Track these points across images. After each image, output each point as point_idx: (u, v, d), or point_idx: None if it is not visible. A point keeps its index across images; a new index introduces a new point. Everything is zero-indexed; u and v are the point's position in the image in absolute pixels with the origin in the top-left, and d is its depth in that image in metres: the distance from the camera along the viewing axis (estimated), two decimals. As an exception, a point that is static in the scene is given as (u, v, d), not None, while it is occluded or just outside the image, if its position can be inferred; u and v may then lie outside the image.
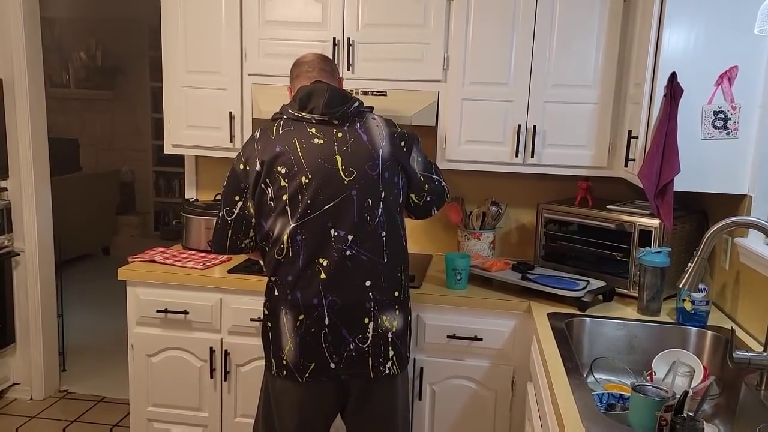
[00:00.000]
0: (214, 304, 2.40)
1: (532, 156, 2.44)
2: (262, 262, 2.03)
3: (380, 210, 1.84)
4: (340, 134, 1.86)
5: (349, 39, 2.47)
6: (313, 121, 1.87)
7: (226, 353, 2.41)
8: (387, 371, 1.89)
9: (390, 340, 1.89)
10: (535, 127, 2.42)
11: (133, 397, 2.53)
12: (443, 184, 2.07)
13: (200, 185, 3.07)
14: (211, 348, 2.41)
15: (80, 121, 6.73)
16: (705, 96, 1.98)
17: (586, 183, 2.49)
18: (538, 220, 2.54)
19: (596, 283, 2.23)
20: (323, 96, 1.86)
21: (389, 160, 1.87)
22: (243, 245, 1.94)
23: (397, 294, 1.90)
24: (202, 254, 2.62)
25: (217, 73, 2.59)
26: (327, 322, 1.83)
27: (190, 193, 3.08)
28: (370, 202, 1.84)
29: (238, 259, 2.54)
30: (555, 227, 2.50)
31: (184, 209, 2.77)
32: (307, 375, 1.86)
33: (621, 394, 1.63)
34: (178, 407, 2.49)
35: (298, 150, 1.83)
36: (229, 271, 2.42)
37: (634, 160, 2.17)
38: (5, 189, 3.18)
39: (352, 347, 1.85)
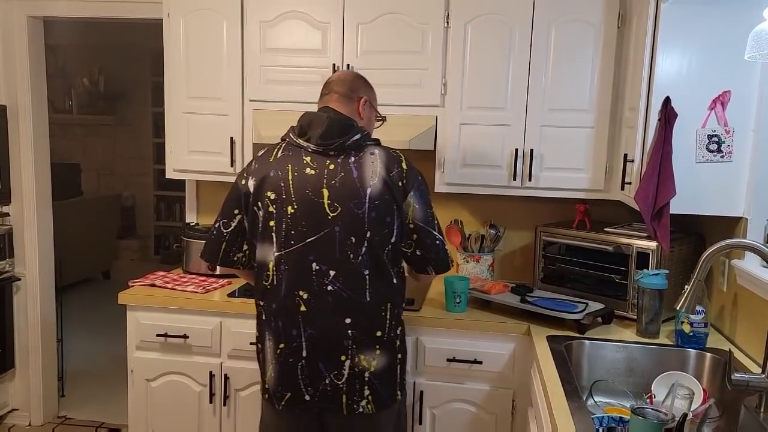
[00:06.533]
0: (214, 328, 2.40)
1: (530, 179, 2.47)
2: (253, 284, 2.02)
3: (364, 249, 1.78)
4: (332, 166, 1.81)
5: (348, 65, 2.50)
6: (309, 150, 1.84)
7: (226, 377, 2.41)
8: (361, 410, 1.83)
9: (366, 379, 1.82)
10: (532, 150, 2.45)
11: (132, 422, 2.51)
12: (447, 249, 1.92)
13: (201, 209, 3.09)
14: (210, 372, 2.41)
15: (82, 146, 6.80)
16: (699, 120, 2.01)
17: (584, 206, 2.50)
18: (536, 242, 2.56)
19: (595, 306, 2.24)
20: (321, 126, 1.82)
21: (378, 200, 1.78)
22: (235, 258, 1.94)
23: (379, 334, 1.83)
24: (203, 278, 2.63)
25: (218, 99, 2.63)
26: (304, 354, 1.81)
27: (190, 218, 3.10)
28: (354, 240, 1.78)
29: (238, 282, 2.55)
30: (553, 250, 2.51)
31: (184, 233, 2.78)
32: (283, 403, 1.85)
33: (621, 417, 1.62)
34: (178, 432, 2.48)
35: (290, 178, 1.82)
36: (229, 295, 2.43)
37: (630, 183, 2.20)
38: (7, 214, 3.19)
39: (327, 382, 1.81)
